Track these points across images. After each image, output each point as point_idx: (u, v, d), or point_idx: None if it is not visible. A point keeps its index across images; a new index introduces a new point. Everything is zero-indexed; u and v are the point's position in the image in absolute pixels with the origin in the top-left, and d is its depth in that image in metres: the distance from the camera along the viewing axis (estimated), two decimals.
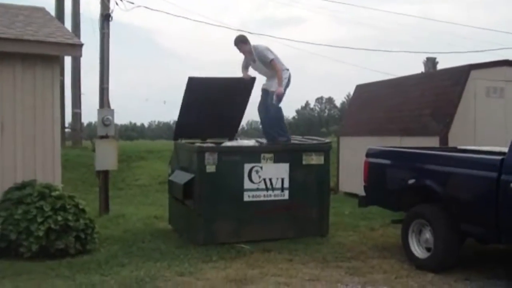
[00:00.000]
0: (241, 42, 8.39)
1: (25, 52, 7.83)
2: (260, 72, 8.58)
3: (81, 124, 24.04)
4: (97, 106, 11.12)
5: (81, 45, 8.40)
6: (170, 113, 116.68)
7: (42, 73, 8.03)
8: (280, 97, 8.16)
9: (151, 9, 13.59)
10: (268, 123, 8.46)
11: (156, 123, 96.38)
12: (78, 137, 21.76)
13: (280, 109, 8.38)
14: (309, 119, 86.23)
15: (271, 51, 8.25)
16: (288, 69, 8.34)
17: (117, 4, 11.56)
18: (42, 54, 7.95)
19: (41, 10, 10.31)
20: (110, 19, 11.41)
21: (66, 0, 21.29)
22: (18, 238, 6.72)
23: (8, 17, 8.92)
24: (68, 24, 20.48)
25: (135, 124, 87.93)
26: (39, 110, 8.00)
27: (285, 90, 8.26)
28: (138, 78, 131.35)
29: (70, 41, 8.34)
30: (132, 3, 12.09)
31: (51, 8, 19.78)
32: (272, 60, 8.18)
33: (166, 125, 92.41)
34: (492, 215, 5.83)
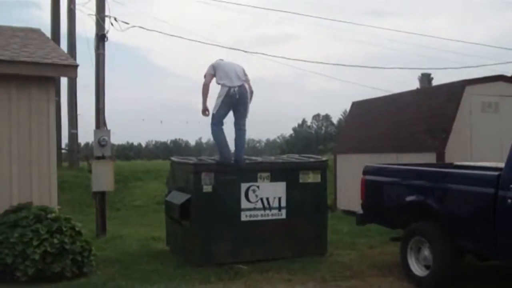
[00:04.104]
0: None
1: (20, 74, 7.82)
2: None
3: (78, 144, 23.96)
4: (93, 125, 11.11)
5: (76, 66, 8.41)
6: (167, 133, 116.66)
7: (38, 94, 8.02)
8: (214, 118, 7.97)
9: (146, 29, 13.46)
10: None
11: (153, 142, 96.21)
12: (75, 158, 21.69)
13: (214, 131, 8.06)
14: (306, 137, 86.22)
15: (214, 67, 8.11)
16: (231, 87, 7.90)
17: (112, 24, 11.52)
18: (38, 75, 7.95)
19: (37, 32, 10.36)
20: (106, 39, 11.41)
21: (62, 20, 21.36)
22: (14, 262, 6.65)
23: (4, 38, 8.96)
24: (63, 44, 20.52)
25: (132, 143, 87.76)
26: (35, 132, 7.98)
27: (222, 107, 7.94)
28: (134, 98, 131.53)
29: (65, 62, 8.36)
30: (127, 23, 12.02)
31: (47, 28, 19.92)
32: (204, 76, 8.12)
33: (163, 144, 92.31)
34: (490, 231, 5.80)
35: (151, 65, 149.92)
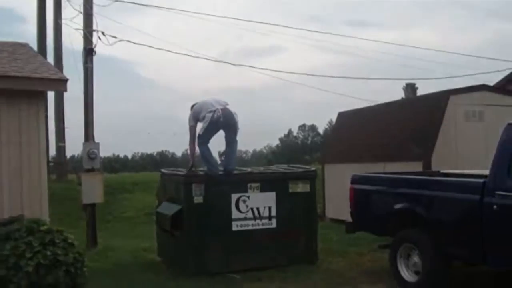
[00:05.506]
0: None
1: (10, 88, 7.85)
2: None
3: (65, 157, 23.88)
4: (80, 138, 11.16)
5: (66, 80, 8.44)
6: (153, 145, 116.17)
7: (27, 108, 8.04)
8: (200, 138, 8.14)
9: (134, 43, 13.53)
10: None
11: (140, 154, 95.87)
12: (63, 170, 21.64)
13: (201, 149, 8.23)
14: (292, 147, 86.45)
15: (193, 115, 8.30)
16: (213, 111, 7.99)
17: (99, 38, 11.57)
18: (28, 90, 7.98)
19: (25, 46, 10.36)
20: (93, 53, 11.45)
21: (48, 33, 21.34)
22: (7, 274, 6.63)
23: None
24: (50, 57, 20.49)
25: (118, 155, 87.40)
26: (25, 146, 7.99)
27: (207, 132, 8.06)
28: (120, 110, 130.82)
29: (55, 77, 8.39)
30: (115, 37, 12.05)
31: (32, 42, 19.86)
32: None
33: (150, 156, 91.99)
34: (477, 237, 5.94)
35: (138, 78, 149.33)
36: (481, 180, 6.06)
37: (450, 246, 6.38)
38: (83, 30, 11.49)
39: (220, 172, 8.15)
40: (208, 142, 8.18)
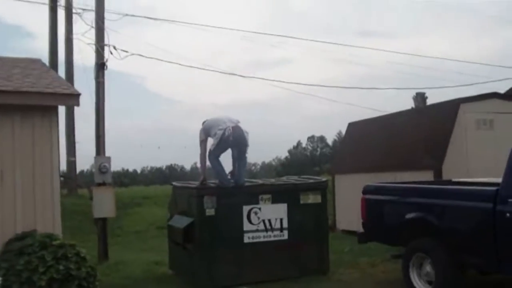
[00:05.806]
0: None
1: (23, 104, 7.93)
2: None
3: (76, 172, 23.97)
4: (89, 153, 11.24)
5: (78, 95, 8.49)
6: (162, 159, 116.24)
7: (41, 123, 8.10)
8: (211, 154, 8.12)
9: (145, 57, 13.58)
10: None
11: (149, 168, 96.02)
12: (74, 185, 21.74)
13: (212, 163, 8.17)
14: (301, 159, 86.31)
15: (204, 130, 8.32)
16: (224, 128, 7.95)
17: (111, 53, 11.64)
18: (41, 105, 8.05)
19: (37, 62, 10.46)
20: (105, 68, 11.53)
21: (60, 48, 21.51)
22: None
23: (6, 69, 9.05)
24: (61, 73, 20.66)
25: (127, 170, 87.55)
26: (38, 160, 8.04)
27: (218, 148, 8.04)
28: (128, 124, 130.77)
29: (67, 91, 8.45)
30: (126, 51, 12.13)
31: (43, 58, 20.05)
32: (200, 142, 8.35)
33: (159, 170, 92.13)
34: (490, 245, 5.91)
35: (148, 91, 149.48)
36: (493, 188, 6.04)
37: (464, 255, 6.34)
38: (95, 44, 11.58)
39: (232, 185, 8.16)
40: (219, 156, 8.20)
